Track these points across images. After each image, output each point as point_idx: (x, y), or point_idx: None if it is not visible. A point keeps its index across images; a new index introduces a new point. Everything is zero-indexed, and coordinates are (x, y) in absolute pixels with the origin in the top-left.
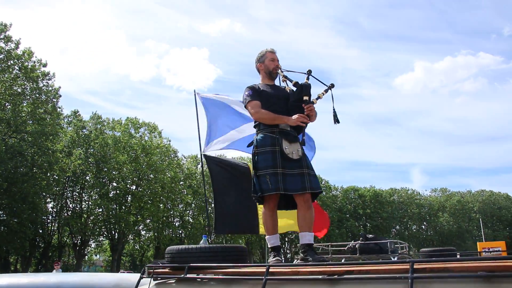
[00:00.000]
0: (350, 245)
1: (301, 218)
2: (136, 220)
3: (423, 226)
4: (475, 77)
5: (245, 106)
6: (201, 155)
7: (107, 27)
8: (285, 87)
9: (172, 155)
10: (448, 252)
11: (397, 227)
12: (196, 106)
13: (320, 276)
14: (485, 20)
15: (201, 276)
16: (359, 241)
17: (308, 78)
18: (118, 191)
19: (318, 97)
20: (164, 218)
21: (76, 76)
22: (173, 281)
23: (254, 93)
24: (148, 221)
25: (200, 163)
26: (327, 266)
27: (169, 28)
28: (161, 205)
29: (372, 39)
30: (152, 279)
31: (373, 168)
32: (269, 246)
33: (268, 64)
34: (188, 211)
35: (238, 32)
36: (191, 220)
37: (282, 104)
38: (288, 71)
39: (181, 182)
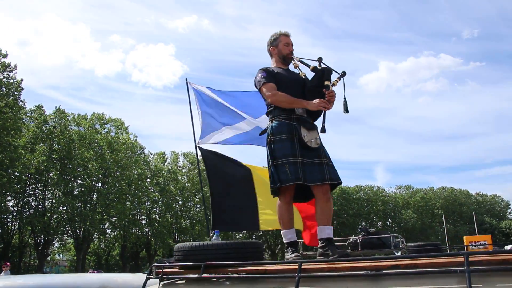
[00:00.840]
0: (351, 240)
1: (319, 211)
2: (101, 218)
3: (387, 223)
4: (436, 78)
5: (259, 89)
6: (195, 147)
7: (71, 20)
8: (299, 72)
9: (138, 152)
10: (435, 247)
11: (363, 223)
12: (188, 95)
13: (362, 272)
14: (446, 23)
15: (219, 275)
16: (361, 236)
17: (319, 65)
18: (83, 189)
19: (333, 84)
20: (131, 216)
21: (38, 70)
22: (183, 281)
23: (269, 75)
24: (114, 219)
25: (196, 155)
26: (368, 261)
27: (135, 23)
28: (127, 203)
29: (337, 38)
30: (160, 279)
31: (338, 165)
32: (285, 241)
33: (282, 48)
34: (155, 209)
35: (205, 28)
36: (158, 218)
37: (297, 88)
38: (300, 58)
39: (148, 179)
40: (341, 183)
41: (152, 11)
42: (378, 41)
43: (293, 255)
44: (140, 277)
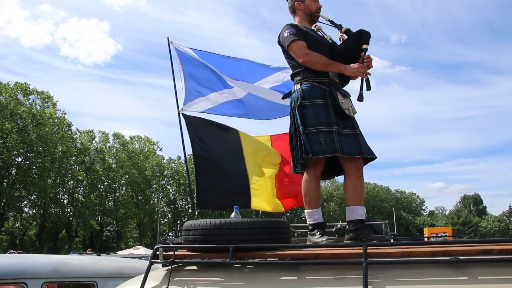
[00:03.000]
0: (339, 225)
1: (351, 188)
2: (20, 195)
3: None
4: None
5: (287, 46)
6: (178, 113)
7: None
8: (324, 35)
9: (65, 128)
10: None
11: (287, 214)
12: (170, 55)
13: (447, 258)
14: (376, 27)
15: (254, 260)
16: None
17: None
18: (1, 163)
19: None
20: (52, 194)
21: None
22: (198, 267)
23: (298, 32)
24: (33, 197)
25: (179, 124)
26: (452, 245)
27: None
28: (49, 181)
29: (272, 31)
30: (171, 264)
31: None
32: (311, 222)
33: (309, 4)
34: (78, 189)
35: (142, 9)
36: (81, 198)
37: (327, 51)
38: (328, 18)
39: (73, 158)
40: (376, 158)
41: None
42: None
43: (323, 238)
44: None
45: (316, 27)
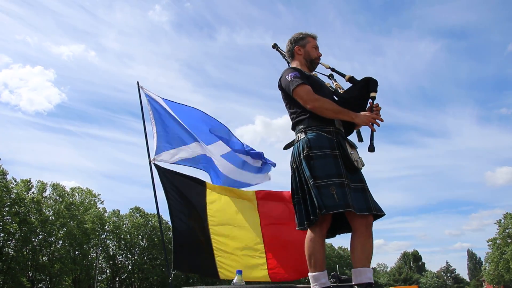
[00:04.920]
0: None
1: (360, 248)
2: None
3: None
4: None
5: (292, 91)
6: (150, 163)
7: None
8: (325, 83)
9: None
10: None
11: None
12: (140, 101)
13: None
14: None
15: None
16: (332, 284)
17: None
18: None
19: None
20: None
21: None
22: None
23: (303, 76)
24: None
25: (150, 174)
26: None
27: (15, 41)
28: None
29: (217, 88)
30: None
31: None
32: (317, 287)
33: (310, 50)
34: (9, 242)
35: (91, 60)
36: (12, 253)
37: (330, 98)
38: (330, 66)
39: (6, 208)
40: (384, 214)
41: (37, 32)
42: (256, 96)
43: None
44: None
45: (313, 74)
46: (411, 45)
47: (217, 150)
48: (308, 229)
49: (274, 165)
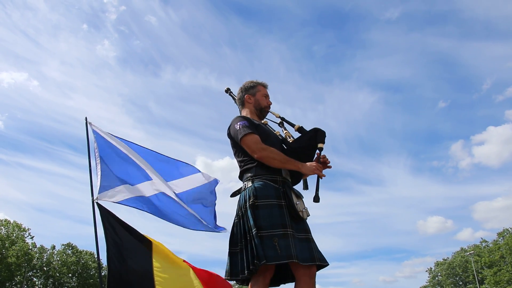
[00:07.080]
0: None
1: None
2: None
3: None
4: None
5: (240, 140)
6: (92, 201)
7: None
8: (273, 131)
9: None
10: None
11: None
12: (87, 137)
13: None
14: None
15: None
16: None
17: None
18: None
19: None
20: None
21: None
22: None
23: (251, 125)
24: None
25: (92, 213)
26: None
27: None
28: None
29: (158, 125)
30: None
31: None
32: None
33: (260, 98)
34: None
35: (32, 90)
36: None
37: (279, 147)
38: (279, 115)
39: None
40: (328, 265)
41: None
42: (197, 136)
43: None
44: None
45: (264, 121)
46: (350, 95)
47: (175, 187)
48: (251, 279)
49: (224, 229)
